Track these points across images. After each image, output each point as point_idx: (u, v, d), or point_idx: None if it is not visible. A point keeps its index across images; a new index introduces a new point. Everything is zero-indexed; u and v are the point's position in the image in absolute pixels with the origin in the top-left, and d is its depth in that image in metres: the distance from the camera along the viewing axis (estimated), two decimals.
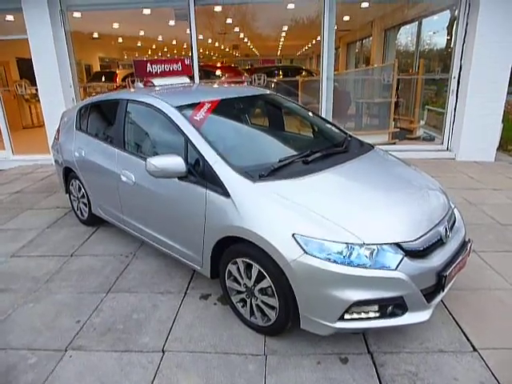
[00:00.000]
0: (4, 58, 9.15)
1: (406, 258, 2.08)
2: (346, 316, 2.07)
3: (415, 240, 2.14)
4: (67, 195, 4.33)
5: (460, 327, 2.47)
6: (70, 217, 4.38)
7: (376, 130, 7.21)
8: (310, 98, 7.15)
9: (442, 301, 2.72)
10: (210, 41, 16.50)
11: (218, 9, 8.78)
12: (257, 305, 2.40)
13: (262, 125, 3.28)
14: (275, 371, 2.18)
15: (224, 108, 3.08)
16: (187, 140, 2.64)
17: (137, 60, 3.73)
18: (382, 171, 2.80)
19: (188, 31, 12.51)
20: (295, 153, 2.76)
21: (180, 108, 2.85)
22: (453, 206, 2.70)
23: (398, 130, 7.24)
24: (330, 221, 2.12)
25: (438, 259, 2.20)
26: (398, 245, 2.10)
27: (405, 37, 9.98)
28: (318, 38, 15.18)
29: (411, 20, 8.89)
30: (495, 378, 2.08)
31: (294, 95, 8.14)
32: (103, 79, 10.88)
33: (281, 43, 17.42)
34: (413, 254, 2.12)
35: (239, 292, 2.50)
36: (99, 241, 3.83)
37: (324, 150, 2.83)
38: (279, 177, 2.42)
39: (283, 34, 13.72)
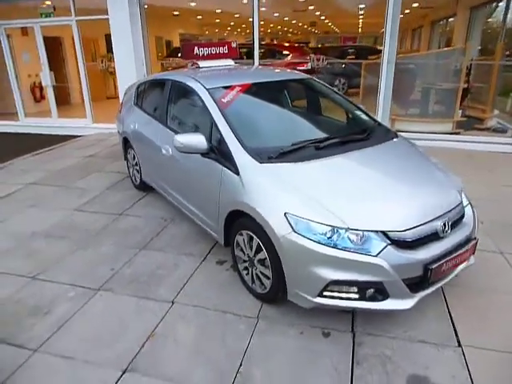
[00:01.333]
0: (94, 35, 10.14)
1: (390, 247, 2.16)
2: (325, 293, 2.23)
3: (404, 231, 2.20)
4: (125, 162, 4.92)
5: (453, 323, 2.49)
6: (127, 181, 4.98)
7: (439, 117, 6.80)
8: (373, 81, 6.94)
9: (444, 296, 2.73)
10: (286, 18, 16.48)
11: None
12: (256, 274, 2.65)
13: (291, 108, 3.41)
14: (262, 333, 2.44)
15: (253, 91, 3.29)
16: (212, 120, 2.92)
17: (184, 43, 4.03)
18: (393, 161, 2.81)
19: (263, 9, 12.64)
20: (314, 137, 2.88)
21: (212, 90, 3.12)
22: (465, 203, 2.64)
23: (465, 118, 6.75)
24: (320, 204, 2.27)
25: (427, 252, 2.24)
26: (384, 233, 2.18)
27: (493, 17, 9.02)
28: (401, 16, 14.27)
29: None
30: (469, 375, 2.12)
31: (358, 77, 7.96)
32: (179, 55, 11.48)
33: (360, 21, 16.71)
34: (399, 243, 2.19)
35: (244, 261, 2.77)
36: (146, 204, 4.35)
37: (342, 136, 2.92)
38: (287, 159, 2.59)
39: (361, 12, 13.18)
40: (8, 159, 6.35)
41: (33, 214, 4.21)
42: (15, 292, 2.91)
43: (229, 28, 19.67)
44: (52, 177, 5.39)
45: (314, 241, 2.19)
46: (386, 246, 2.16)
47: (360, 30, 19.91)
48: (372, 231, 2.18)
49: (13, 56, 8.09)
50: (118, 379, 2.15)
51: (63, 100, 9.88)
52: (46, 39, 7.79)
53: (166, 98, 3.67)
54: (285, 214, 2.28)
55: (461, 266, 2.54)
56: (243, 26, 18.80)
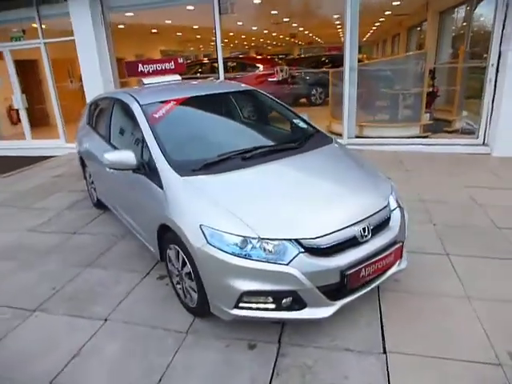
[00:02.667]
0: (69, 56, 10.23)
1: (302, 255, 2.14)
2: (241, 304, 2.21)
3: (317, 238, 2.18)
4: (84, 181, 4.92)
5: (382, 329, 2.45)
6: (87, 200, 4.97)
7: (406, 122, 6.83)
8: (339, 88, 7.00)
9: (379, 302, 2.70)
10: (265, 31, 16.70)
11: (257, 1, 8.94)
12: (185, 288, 2.63)
13: (226, 121, 3.42)
14: (187, 347, 2.41)
15: (189, 105, 3.31)
16: (142, 136, 2.93)
17: (128, 61, 4.06)
18: (319, 167, 2.82)
19: (239, 23, 12.77)
20: (245, 147, 2.88)
21: (145, 106, 3.14)
22: (393, 207, 2.63)
23: (432, 122, 6.79)
24: (234, 215, 2.25)
25: (343, 258, 2.21)
26: (297, 241, 2.17)
27: (459, 21, 9.13)
28: (377, 24, 14.50)
29: (464, 2, 8.12)
30: (388, 381, 2.08)
31: (326, 86, 8.02)
32: None
33: (340, 30, 16.92)
34: (313, 251, 2.17)
35: (176, 275, 2.75)
36: (101, 222, 4.33)
37: (274, 145, 2.93)
38: (210, 171, 2.60)
39: (337, 22, 13.34)
40: None
41: None
42: None
43: (212, 43, 19.91)
44: (15, 198, 5.39)
45: (227, 252, 2.17)
46: (297, 254, 2.14)
47: (342, 39, 20.17)
48: (284, 240, 2.17)
49: None
50: None
51: (41, 121, 9.94)
52: (22, 62, 7.90)
53: (108, 116, 3.69)
54: (200, 225, 2.27)
55: (390, 271, 2.53)
56: (225, 40, 19.07)
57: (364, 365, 2.20)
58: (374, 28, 15.78)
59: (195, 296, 2.51)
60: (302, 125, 3.45)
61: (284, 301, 2.18)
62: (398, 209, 2.66)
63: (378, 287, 2.81)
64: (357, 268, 2.22)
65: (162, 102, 3.22)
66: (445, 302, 2.67)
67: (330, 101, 7.73)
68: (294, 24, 14.17)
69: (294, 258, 2.13)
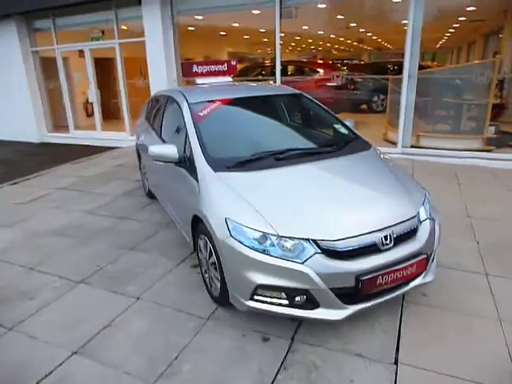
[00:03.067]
0: (141, 55, 11.02)
1: (318, 255, 2.19)
2: (256, 297, 2.31)
3: (335, 240, 2.22)
4: (139, 172, 5.32)
5: (398, 340, 2.42)
6: (141, 189, 5.37)
7: (467, 134, 6.44)
8: (398, 96, 6.80)
9: (401, 313, 2.65)
10: (332, 36, 16.53)
11: (321, 6, 8.95)
12: (211, 277, 2.78)
13: (268, 122, 3.52)
14: (206, 332, 2.56)
15: (233, 105, 3.48)
16: (186, 132, 3.14)
17: (184, 62, 4.34)
18: (351, 172, 2.84)
19: (305, 27, 12.82)
20: (280, 148, 2.98)
21: (193, 104, 3.36)
22: (423, 218, 2.57)
23: (497, 135, 6.33)
24: (257, 211, 2.36)
25: (360, 263, 2.23)
26: (315, 242, 2.22)
27: None
28: (451, 30, 13.73)
29: None
30: None
31: (385, 93, 7.80)
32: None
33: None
34: (330, 253, 2.21)
35: (205, 264, 2.92)
36: (149, 211, 4.67)
37: (308, 148, 3.00)
38: (242, 169, 2.73)
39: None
40: (54, 166, 7.13)
41: (51, 215, 4.71)
42: (12, 279, 3.32)
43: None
44: (81, 183, 5.97)
45: (247, 245, 2.28)
46: (313, 254, 2.19)
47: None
48: (302, 239, 2.23)
49: (67, 76, 9.09)
50: (65, 359, 2.38)
51: (113, 115, 10.79)
52: (99, 60, 8.68)
53: (162, 112, 3.98)
54: (225, 218, 2.41)
55: (414, 283, 2.48)
56: (292, 44, 19.20)
57: (372, 372, 2.19)
58: (448, 34, 14.94)
59: (218, 285, 2.66)
60: (343, 130, 3.47)
61: (297, 298, 2.25)
62: (428, 220, 2.59)
63: (402, 298, 2.77)
64: (373, 275, 2.22)
65: (208, 101, 3.42)
66: (472, 322, 2.55)
67: (388, 108, 7.53)
68: (361, 29, 13.88)
69: (309, 257, 2.19)
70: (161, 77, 7.48)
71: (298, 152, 2.93)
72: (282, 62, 7.21)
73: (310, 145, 3.15)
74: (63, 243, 3.94)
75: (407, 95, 6.20)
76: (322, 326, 2.53)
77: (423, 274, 2.53)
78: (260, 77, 10.61)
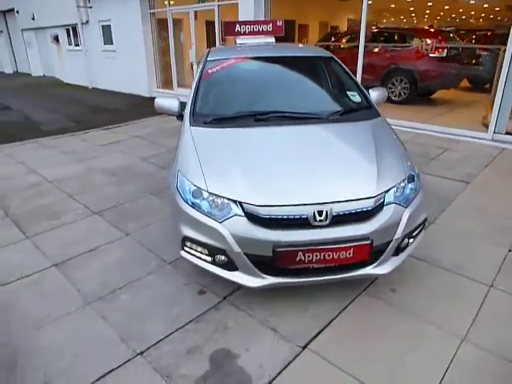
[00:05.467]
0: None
1: (239, 218, 2.14)
2: (186, 248, 2.38)
3: (259, 206, 2.12)
4: None
5: (323, 329, 2.23)
6: None
7: None
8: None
9: (350, 302, 2.42)
10: (472, 1, 14.08)
11: None
12: None
13: (278, 83, 3.29)
14: (159, 274, 2.77)
15: (249, 64, 3.41)
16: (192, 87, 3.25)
17: (226, 21, 4.29)
18: (330, 140, 2.64)
19: None
20: (268, 110, 2.87)
21: (210, 61, 3.40)
22: (388, 201, 2.23)
23: None
24: (200, 166, 2.38)
25: (282, 235, 2.09)
26: (241, 204, 2.16)
27: None
28: None
29: None
30: (278, 373, 1.96)
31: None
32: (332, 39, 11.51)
33: None
34: (253, 218, 2.13)
35: None
36: None
37: (301, 111, 2.88)
38: (215, 125, 2.76)
39: None
40: (146, 118, 8.00)
41: (114, 157, 5.41)
42: (52, 202, 4.00)
43: (413, 15, 18.07)
44: (154, 134, 6.63)
45: (183, 198, 2.34)
46: (233, 216, 2.15)
47: None
48: (230, 200, 2.19)
49: (174, 36, 9.87)
50: (46, 268, 2.86)
51: None
52: (209, 23, 9.16)
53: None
54: (178, 170, 2.50)
55: (361, 271, 2.23)
56: (427, 11, 17.01)
57: (274, 348, 2.10)
58: None
59: None
60: (357, 98, 3.12)
61: (218, 257, 2.24)
62: (393, 205, 2.24)
63: (365, 289, 2.52)
64: (291, 249, 2.07)
65: (226, 58, 3.43)
66: (426, 332, 2.19)
67: (494, 87, 6.28)
68: None
69: (228, 218, 2.15)
70: None
71: (283, 115, 2.79)
72: (373, 28, 6.55)
73: (307, 109, 2.91)
74: (107, 180, 4.54)
75: (510, 67, 5.08)
76: (259, 295, 2.48)
77: (375, 264, 2.24)
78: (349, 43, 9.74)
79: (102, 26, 11.57)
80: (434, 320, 2.27)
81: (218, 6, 8.42)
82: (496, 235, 3.17)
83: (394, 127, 2.93)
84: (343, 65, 3.49)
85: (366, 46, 6.71)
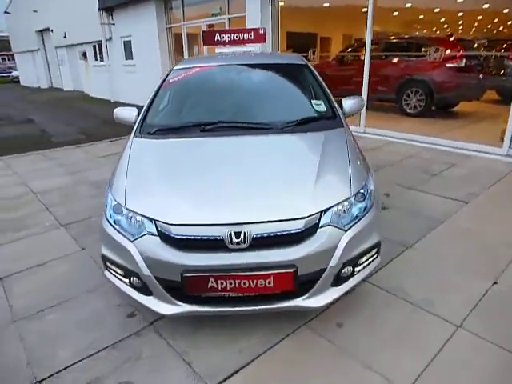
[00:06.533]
0: None
1: (150, 237, 1.95)
2: (108, 268, 2.21)
3: (171, 224, 1.92)
4: None
5: (244, 366, 1.96)
6: None
7: None
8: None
9: (284, 337, 2.14)
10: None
11: None
12: None
13: (240, 92, 3.07)
14: (95, 292, 2.61)
15: (213, 73, 3.25)
16: None
17: (205, 30, 4.18)
18: (272, 153, 2.42)
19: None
20: (216, 120, 2.70)
21: (174, 70, 3.28)
22: (322, 223, 1.95)
23: None
24: (125, 180, 2.23)
25: (187, 257, 1.87)
26: (155, 221, 1.97)
27: None
28: None
29: None
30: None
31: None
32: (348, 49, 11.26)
33: None
34: (165, 237, 1.93)
35: None
36: None
37: (254, 122, 2.69)
38: (158, 136, 2.65)
39: None
40: None
41: (106, 169, 5.35)
42: (26, 213, 3.99)
43: (445, 25, 17.32)
44: None
45: (105, 213, 2.20)
46: (144, 235, 1.96)
47: None
48: (146, 217, 2.00)
49: (189, 49, 9.99)
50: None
51: None
52: None
53: None
54: (109, 182, 2.37)
55: (285, 303, 1.97)
56: (460, 22, 16.22)
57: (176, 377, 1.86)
58: None
59: None
60: (321, 107, 2.87)
61: (133, 279, 2.05)
62: (329, 227, 1.96)
63: (307, 321, 2.23)
64: (200, 274, 1.85)
65: (192, 67, 3.29)
66: (367, 382, 1.86)
67: None
68: None
69: (140, 237, 1.97)
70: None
71: (231, 125, 2.61)
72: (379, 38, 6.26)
73: (261, 119, 2.69)
74: (91, 193, 4.50)
75: None
76: (188, 322, 2.26)
77: (306, 295, 1.96)
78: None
79: (124, 42, 11.94)
80: (379, 367, 1.93)
81: (229, 18, 8.42)
82: (482, 264, 2.77)
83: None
84: (316, 74, 3.25)
85: (371, 58, 6.39)
